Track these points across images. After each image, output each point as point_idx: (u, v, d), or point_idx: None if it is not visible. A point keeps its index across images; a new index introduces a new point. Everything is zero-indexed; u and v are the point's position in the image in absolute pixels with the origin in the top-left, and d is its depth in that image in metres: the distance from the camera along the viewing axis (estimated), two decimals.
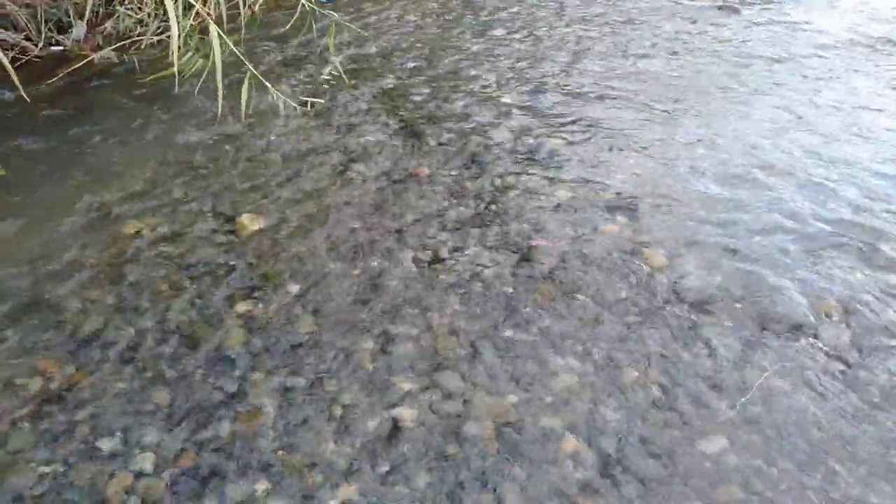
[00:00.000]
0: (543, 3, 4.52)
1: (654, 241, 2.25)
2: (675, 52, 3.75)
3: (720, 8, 4.40)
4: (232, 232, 2.31)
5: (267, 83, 2.88)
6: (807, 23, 4.16)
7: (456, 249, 2.23)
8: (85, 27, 3.51)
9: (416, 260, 2.19)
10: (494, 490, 1.51)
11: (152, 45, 3.55)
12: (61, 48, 3.46)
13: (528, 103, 3.17)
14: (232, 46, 2.76)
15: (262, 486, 1.52)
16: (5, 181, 2.37)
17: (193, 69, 3.13)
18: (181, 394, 1.74)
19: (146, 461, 1.57)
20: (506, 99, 3.22)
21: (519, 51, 3.76)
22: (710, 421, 1.66)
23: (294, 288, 2.08)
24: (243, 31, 3.57)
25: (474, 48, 3.78)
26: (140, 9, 3.53)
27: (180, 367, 1.81)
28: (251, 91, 2.86)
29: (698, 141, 2.84)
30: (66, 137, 2.83)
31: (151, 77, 3.20)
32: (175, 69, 2.79)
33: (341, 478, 1.54)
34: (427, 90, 3.29)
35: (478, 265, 2.16)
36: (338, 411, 1.69)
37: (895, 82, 3.38)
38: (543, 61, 3.61)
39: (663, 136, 2.89)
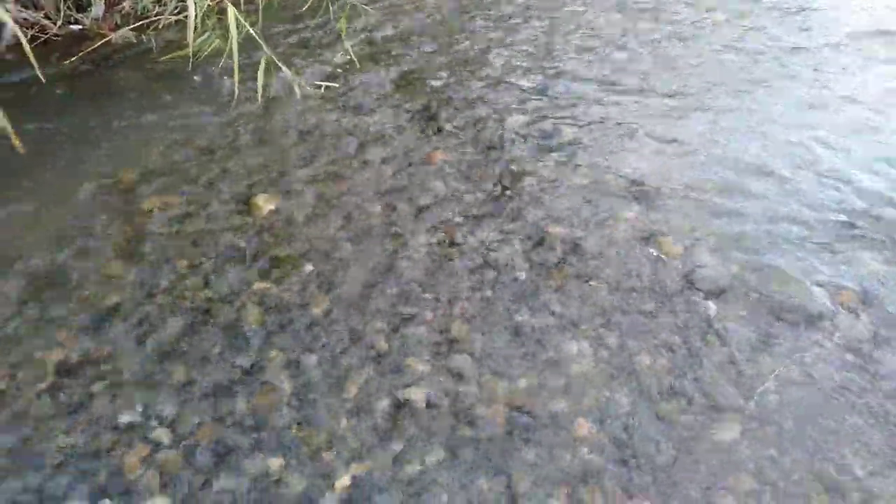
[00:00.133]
0: None
1: (670, 229, 2.24)
2: (693, 40, 3.71)
3: None
4: (247, 212, 2.32)
5: (283, 65, 2.88)
6: (826, 12, 4.09)
7: (470, 233, 2.23)
8: (103, 6, 3.51)
9: (430, 243, 2.19)
10: (506, 472, 1.53)
11: (170, 25, 3.55)
12: (80, 27, 3.46)
13: (544, 89, 3.15)
14: (249, 28, 2.76)
15: (277, 461, 1.55)
16: (23, 159, 2.39)
17: (210, 50, 3.13)
18: (198, 369, 1.76)
19: (163, 435, 1.60)
20: (522, 84, 3.20)
21: (535, 37, 3.73)
22: (724, 410, 1.67)
23: (308, 268, 2.09)
24: (261, 13, 3.57)
25: (491, 34, 3.76)
26: None
27: (197, 343, 1.83)
28: (268, 73, 2.86)
29: (714, 130, 2.82)
30: (84, 116, 2.85)
31: (168, 57, 3.20)
32: (190, 50, 2.78)
33: (354, 455, 1.56)
34: (444, 74, 3.28)
35: (492, 249, 2.16)
36: (352, 390, 1.71)
37: None
38: (559, 48, 3.59)
39: (679, 124, 2.86)
